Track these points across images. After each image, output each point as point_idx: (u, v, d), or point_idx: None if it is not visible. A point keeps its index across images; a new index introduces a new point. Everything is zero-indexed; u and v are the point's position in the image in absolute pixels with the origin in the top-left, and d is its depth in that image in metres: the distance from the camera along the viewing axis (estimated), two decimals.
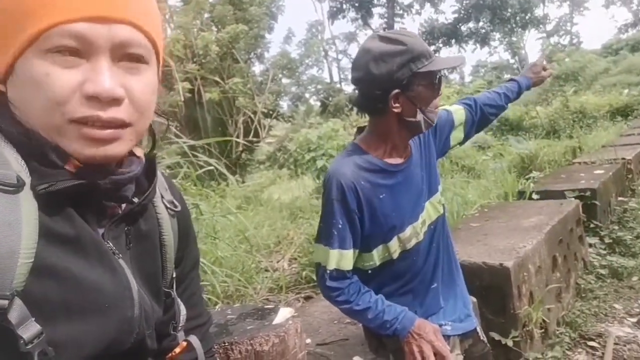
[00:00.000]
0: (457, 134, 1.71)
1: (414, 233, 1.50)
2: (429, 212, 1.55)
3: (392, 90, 1.35)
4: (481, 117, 1.75)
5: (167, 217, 0.80)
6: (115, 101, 0.61)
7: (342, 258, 1.41)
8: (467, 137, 1.75)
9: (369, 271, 1.50)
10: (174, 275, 0.83)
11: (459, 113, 1.71)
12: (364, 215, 1.42)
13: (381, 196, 1.44)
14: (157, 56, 0.69)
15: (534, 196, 4.31)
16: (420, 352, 1.38)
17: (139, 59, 0.64)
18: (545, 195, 4.24)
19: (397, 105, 1.37)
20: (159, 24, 0.69)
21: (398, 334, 1.42)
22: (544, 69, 1.94)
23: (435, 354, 1.38)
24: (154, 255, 0.78)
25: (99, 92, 0.59)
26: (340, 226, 1.40)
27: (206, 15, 13.03)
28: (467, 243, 2.76)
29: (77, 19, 0.58)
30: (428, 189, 1.56)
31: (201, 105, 11.55)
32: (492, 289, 2.37)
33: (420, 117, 1.40)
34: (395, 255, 1.48)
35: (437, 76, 1.39)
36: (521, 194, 4.59)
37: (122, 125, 0.62)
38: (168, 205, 0.80)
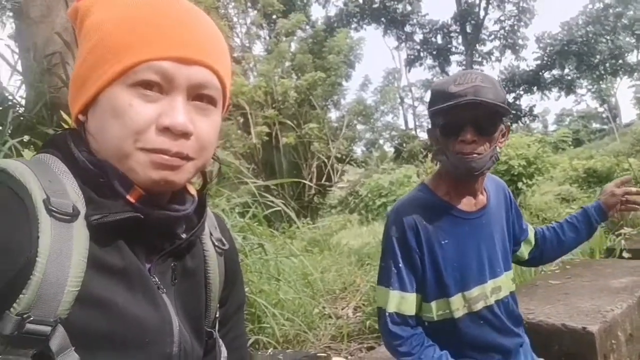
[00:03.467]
0: (524, 249, 1.67)
1: (482, 295, 1.40)
2: (505, 282, 1.47)
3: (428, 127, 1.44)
4: (543, 252, 1.69)
5: (214, 255, 0.80)
6: (185, 135, 0.65)
7: (402, 301, 1.35)
8: (528, 262, 1.70)
9: (426, 323, 1.41)
10: (217, 315, 0.82)
11: (531, 233, 1.68)
12: (425, 257, 1.36)
13: (444, 242, 1.37)
14: (225, 98, 0.73)
15: (625, 254, 3.94)
16: None
17: (210, 100, 0.68)
18: (639, 254, 3.85)
19: (434, 141, 1.41)
20: (229, 68, 0.74)
21: None
22: (622, 187, 1.64)
23: None
24: (199, 293, 0.78)
25: (174, 125, 0.63)
26: (400, 265, 1.35)
27: (287, 63, 13.68)
28: (546, 302, 2.53)
29: (164, 58, 0.64)
30: (504, 259, 1.48)
31: (278, 149, 11.95)
32: (573, 356, 2.13)
33: (444, 158, 1.36)
34: (458, 315, 1.39)
35: (443, 121, 1.32)
36: (610, 252, 4.22)
37: (187, 158, 0.66)
38: (216, 243, 0.81)
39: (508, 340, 1.46)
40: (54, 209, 0.59)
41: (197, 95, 0.67)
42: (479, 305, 1.40)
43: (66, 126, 1.55)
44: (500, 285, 1.45)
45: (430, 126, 1.44)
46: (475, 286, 1.39)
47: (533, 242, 1.67)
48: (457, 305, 1.38)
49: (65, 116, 1.50)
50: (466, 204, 1.42)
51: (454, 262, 1.37)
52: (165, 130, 0.63)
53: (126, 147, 0.63)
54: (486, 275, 1.42)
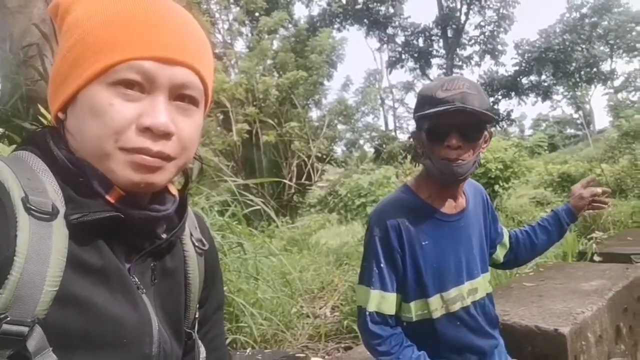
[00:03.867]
0: (499, 252, 1.70)
1: (459, 296, 1.42)
2: (481, 284, 1.49)
3: (414, 130, 1.46)
4: (517, 255, 1.73)
5: (194, 255, 0.80)
6: (166, 136, 0.64)
7: (383, 301, 1.36)
8: (503, 265, 1.75)
9: (405, 323, 1.43)
10: (197, 316, 0.82)
11: (506, 237, 1.71)
12: (406, 258, 1.38)
13: (424, 243, 1.39)
14: (207, 98, 0.73)
15: (596, 258, 4.04)
16: None
17: (191, 101, 0.68)
18: (609, 258, 3.95)
19: (418, 144, 1.44)
20: (211, 68, 0.73)
21: None
22: (587, 187, 1.71)
23: None
24: (178, 293, 0.77)
25: (156, 125, 0.63)
26: (382, 265, 1.37)
27: (269, 61, 13.63)
28: (520, 304, 2.58)
29: (146, 57, 0.63)
30: (482, 261, 1.51)
31: (258, 147, 11.89)
32: (546, 357, 2.18)
33: (428, 162, 1.39)
34: (436, 315, 1.40)
35: (429, 126, 1.34)
36: (581, 255, 4.31)
37: (167, 158, 0.65)
38: (196, 244, 0.80)
39: (484, 341, 1.49)
40: (33, 207, 0.58)
41: (179, 95, 0.66)
42: (456, 306, 1.42)
43: (44, 121, 1.51)
44: (477, 287, 1.47)
45: (415, 129, 1.46)
46: (453, 287, 1.42)
47: (508, 245, 1.71)
48: (436, 306, 1.40)
49: (43, 110, 1.46)
50: (447, 206, 1.45)
51: (434, 263, 1.39)
52: (146, 130, 0.63)
53: (106, 147, 0.62)
54: (463, 277, 1.44)
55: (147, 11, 0.65)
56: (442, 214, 1.43)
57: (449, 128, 1.30)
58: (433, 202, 1.43)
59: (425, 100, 1.34)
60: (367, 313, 1.36)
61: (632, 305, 3.00)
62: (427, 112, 1.31)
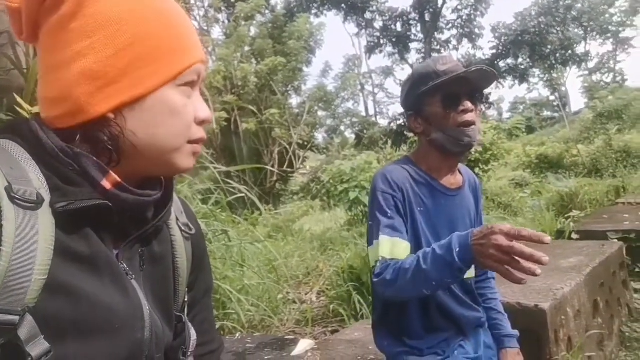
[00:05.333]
0: None
1: None
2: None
3: (408, 112, 1.49)
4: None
5: (182, 240, 0.80)
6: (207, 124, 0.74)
7: (395, 245, 1.31)
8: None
9: None
10: (186, 300, 0.82)
11: None
12: (407, 216, 1.39)
13: (419, 209, 1.42)
14: None
15: (574, 236, 4.15)
16: (497, 257, 1.05)
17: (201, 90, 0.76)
18: (586, 235, 4.07)
19: (417, 125, 1.47)
20: None
21: (465, 257, 1.13)
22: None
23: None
24: (167, 278, 0.77)
25: (209, 118, 0.73)
26: (389, 215, 1.36)
27: (247, 48, 13.48)
28: (501, 282, 2.61)
29: (200, 61, 0.71)
30: None
31: (238, 135, 11.82)
32: (527, 332, 2.23)
33: (438, 135, 1.41)
34: None
35: (443, 95, 1.39)
36: (560, 234, 4.42)
37: None
38: (183, 228, 0.81)
39: (468, 312, 1.52)
40: (17, 196, 0.57)
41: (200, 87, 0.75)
42: None
43: (21, 111, 1.47)
44: None
45: (411, 111, 1.48)
46: None
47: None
48: None
49: (20, 100, 1.42)
50: (445, 180, 1.48)
51: (428, 230, 1.42)
52: (202, 123, 0.72)
53: (179, 142, 0.69)
54: None
55: (179, 15, 0.71)
56: (441, 185, 1.46)
57: (461, 94, 1.38)
58: (432, 174, 1.47)
59: (426, 76, 1.40)
60: (379, 262, 1.29)
61: (609, 280, 3.10)
62: (450, 75, 1.36)
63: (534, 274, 1.01)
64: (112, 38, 0.64)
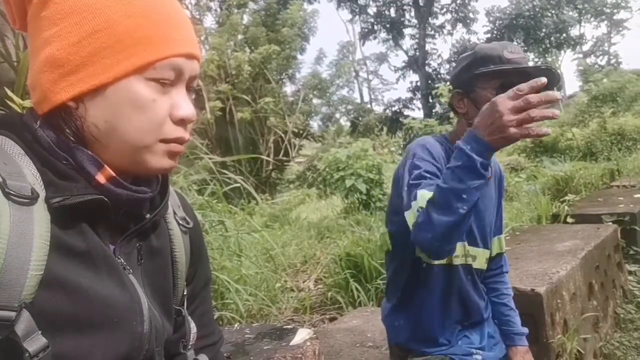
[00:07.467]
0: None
1: (461, 252, 1.45)
2: (480, 255, 1.50)
3: (455, 90, 1.45)
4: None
5: (179, 234, 0.80)
6: (190, 123, 0.69)
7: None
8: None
9: (425, 264, 1.44)
10: (185, 293, 0.82)
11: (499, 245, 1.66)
12: None
13: None
14: None
15: (569, 220, 4.17)
16: (516, 120, 1.05)
17: (193, 88, 0.72)
18: (581, 219, 4.09)
19: (461, 105, 1.44)
20: None
21: (480, 148, 1.11)
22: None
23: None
24: (166, 272, 0.78)
25: (189, 116, 0.68)
26: (428, 177, 1.28)
27: (240, 36, 13.36)
28: None
29: (179, 55, 0.66)
30: (489, 232, 1.52)
31: (232, 125, 11.76)
32: (524, 316, 2.25)
33: None
34: (456, 262, 1.44)
35: (501, 82, 1.33)
36: (555, 218, 4.45)
37: (185, 142, 0.70)
38: (180, 222, 0.81)
39: (481, 301, 1.54)
40: (12, 192, 0.57)
41: (189, 85, 0.70)
42: (470, 261, 1.46)
43: (13, 105, 1.46)
44: (475, 255, 1.49)
45: (460, 89, 1.43)
46: (471, 246, 1.46)
47: (494, 254, 1.62)
48: (458, 253, 1.42)
49: (10, 93, 1.40)
50: None
51: None
52: (180, 121, 0.67)
53: (149, 140, 0.65)
54: (477, 238, 1.47)
55: (164, 4, 0.67)
56: None
57: (513, 85, 1.30)
58: None
59: (489, 59, 1.36)
60: (416, 210, 1.20)
61: (603, 262, 3.13)
62: (515, 66, 1.32)
63: (554, 117, 1.05)
64: (77, 25, 0.63)
